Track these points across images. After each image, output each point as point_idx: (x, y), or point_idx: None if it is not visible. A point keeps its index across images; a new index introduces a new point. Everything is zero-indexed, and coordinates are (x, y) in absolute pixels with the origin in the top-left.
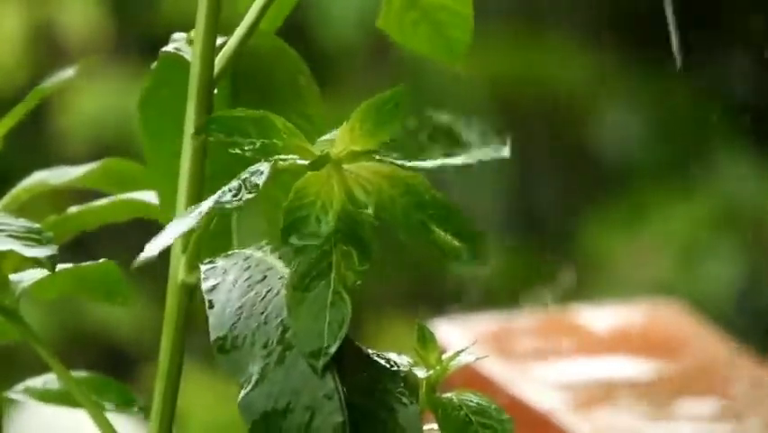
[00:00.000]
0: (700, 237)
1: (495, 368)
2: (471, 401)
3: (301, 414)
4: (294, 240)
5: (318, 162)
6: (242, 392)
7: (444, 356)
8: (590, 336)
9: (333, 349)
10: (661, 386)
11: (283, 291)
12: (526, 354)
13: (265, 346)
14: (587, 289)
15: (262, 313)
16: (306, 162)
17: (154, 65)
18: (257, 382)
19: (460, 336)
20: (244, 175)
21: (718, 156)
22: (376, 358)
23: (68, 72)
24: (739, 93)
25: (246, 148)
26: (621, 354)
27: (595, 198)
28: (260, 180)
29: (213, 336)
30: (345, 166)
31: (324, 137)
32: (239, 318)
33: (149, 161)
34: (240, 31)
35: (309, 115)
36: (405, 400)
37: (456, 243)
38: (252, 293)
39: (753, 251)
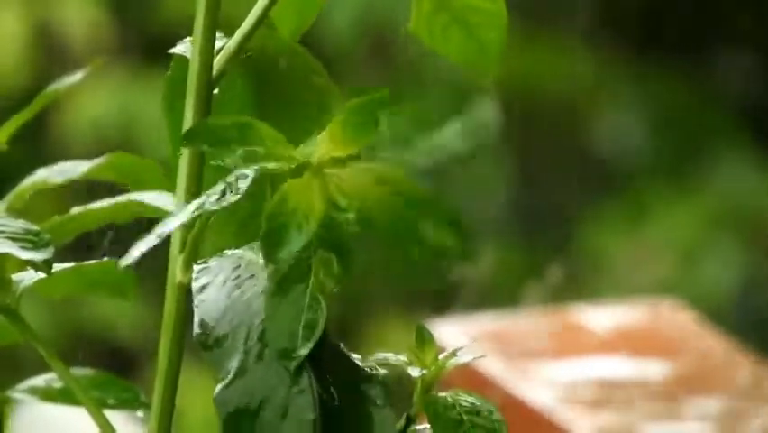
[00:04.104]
0: (700, 237)
1: (494, 368)
2: (465, 401)
3: (274, 410)
4: (274, 250)
5: (298, 169)
6: (218, 387)
7: (441, 356)
8: (590, 336)
9: (304, 351)
10: (660, 386)
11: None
12: (526, 354)
13: (245, 342)
14: (587, 289)
15: (245, 310)
16: (288, 169)
17: (169, 71)
18: (234, 378)
19: (459, 336)
20: (230, 179)
21: (718, 156)
22: (354, 360)
23: (77, 75)
24: (739, 93)
25: (227, 159)
26: (621, 354)
27: (595, 198)
28: (245, 184)
29: (195, 332)
30: (327, 171)
31: (308, 143)
32: (222, 316)
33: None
34: (241, 31)
35: (332, 114)
36: (379, 402)
37: (446, 240)
38: (238, 292)
39: (753, 251)
